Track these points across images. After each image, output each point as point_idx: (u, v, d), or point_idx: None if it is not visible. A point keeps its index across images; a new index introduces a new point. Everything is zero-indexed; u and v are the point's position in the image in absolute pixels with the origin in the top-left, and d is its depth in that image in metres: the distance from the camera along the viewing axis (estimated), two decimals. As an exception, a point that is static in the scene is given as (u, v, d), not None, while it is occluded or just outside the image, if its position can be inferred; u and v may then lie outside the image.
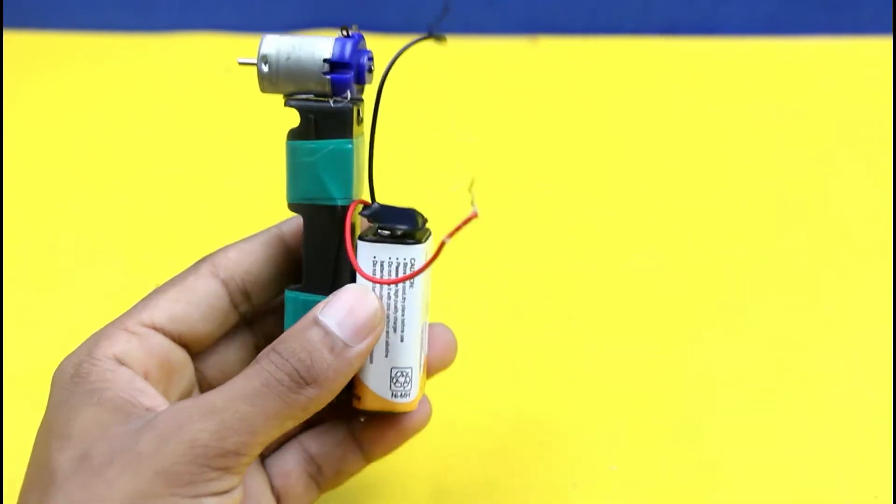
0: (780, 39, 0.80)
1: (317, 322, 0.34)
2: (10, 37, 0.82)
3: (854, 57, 0.77)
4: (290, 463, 0.39)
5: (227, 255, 0.38)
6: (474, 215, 0.32)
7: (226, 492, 0.32)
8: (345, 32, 0.37)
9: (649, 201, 0.64)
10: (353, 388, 0.37)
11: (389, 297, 0.36)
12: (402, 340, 0.37)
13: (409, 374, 0.37)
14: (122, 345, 0.36)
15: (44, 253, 0.60)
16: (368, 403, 0.37)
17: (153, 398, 0.34)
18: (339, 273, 0.36)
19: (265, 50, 0.36)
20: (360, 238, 0.36)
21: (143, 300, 0.38)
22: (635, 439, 0.47)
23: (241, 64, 0.36)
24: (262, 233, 0.39)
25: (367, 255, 0.36)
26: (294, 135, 0.36)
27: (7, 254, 0.59)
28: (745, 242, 0.60)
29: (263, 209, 0.65)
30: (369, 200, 0.37)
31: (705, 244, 0.60)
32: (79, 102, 0.76)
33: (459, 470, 0.45)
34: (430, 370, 0.39)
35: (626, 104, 0.74)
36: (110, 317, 0.56)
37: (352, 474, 0.40)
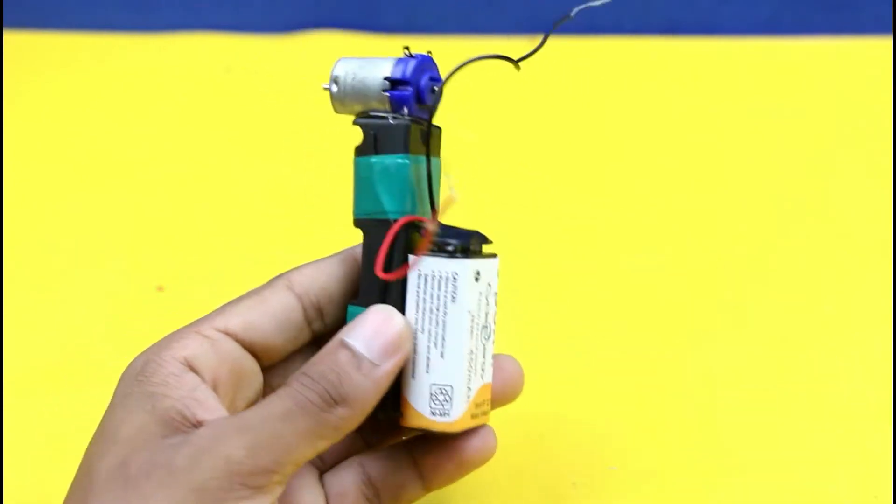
0: (780, 39, 0.80)
1: (343, 344, 0.34)
2: (10, 37, 0.82)
3: (854, 57, 0.77)
4: (347, 483, 0.39)
5: (303, 272, 0.39)
6: (452, 199, 0.34)
7: None
8: (407, 51, 0.38)
9: (650, 201, 0.64)
10: (399, 404, 0.37)
11: (431, 311, 0.36)
12: (442, 357, 0.36)
13: (449, 393, 0.37)
14: (193, 348, 0.36)
15: (44, 253, 0.60)
16: (409, 420, 0.37)
17: (210, 410, 0.35)
18: (388, 287, 0.37)
19: (336, 72, 0.38)
20: (412, 253, 0.36)
21: (218, 308, 0.38)
22: (635, 439, 0.47)
23: (325, 89, 0.38)
24: (337, 253, 0.40)
25: (415, 268, 0.36)
26: (358, 151, 0.37)
27: (7, 254, 0.59)
28: (746, 242, 0.60)
29: (264, 209, 0.65)
30: (427, 218, 0.37)
31: (705, 244, 0.60)
32: (79, 102, 0.76)
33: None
34: (494, 402, 0.39)
35: (626, 104, 0.74)
36: (110, 317, 0.56)
37: (410, 502, 0.40)
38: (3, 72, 0.77)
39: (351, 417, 0.34)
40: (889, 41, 0.77)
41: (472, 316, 0.36)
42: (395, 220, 0.36)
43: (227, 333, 0.37)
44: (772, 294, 0.56)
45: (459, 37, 0.79)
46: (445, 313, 0.36)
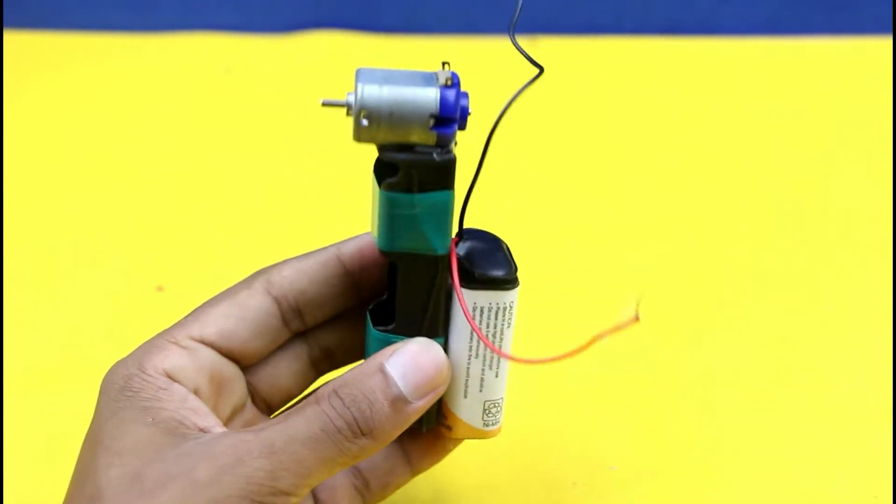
0: (780, 39, 0.80)
1: (382, 370, 0.34)
2: (10, 37, 0.82)
3: (854, 57, 0.77)
4: (337, 477, 0.39)
5: (282, 274, 0.38)
6: (636, 319, 0.35)
7: None
8: (447, 67, 0.35)
9: (649, 201, 0.64)
10: (443, 418, 0.38)
11: (487, 337, 0.36)
12: (496, 376, 0.37)
13: (500, 404, 0.38)
14: (173, 359, 0.36)
15: (44, 253, 0.60)
16: (460, 433, 0.38)
17: (205, 418, 0.35)
18: (433, 318, 0.36)
19: (365, 101, 0.33)
20: (462, 286, 0.36)
21: (193, 312, 0.37)
22: (635, 439, 0.47)
23: (325, 105, 0.34)
24: (319, 251, 0.39)
25: (469, 302, 0.36)
26: (392, 186, 0.34)
27: (7, 254, 0.59)
28: (746, 242, 0.60)
29: (264, 209, 0.65)
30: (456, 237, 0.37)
31: (705, 244, 0.60)
32: (79, 102, 0.76)
33: (459, 470, 0.45)
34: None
35: (626, 104, 0.74)
36: (110, 317, 0.56)
37: (398, 487, 0.40)
38: (3, 72, 0.77)
39: (372, 448, 0.34)
40: (889, 41, 0.77)
41: None
42: (444, 255, 0.35)
43: (204, 342, 0.37)
44: (772, 294, 0.56)
45: (459, 37, 0.79)
46: (502, 339, 0.37)
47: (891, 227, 0.60)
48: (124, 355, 0.37)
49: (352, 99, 0.33)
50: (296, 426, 0.33)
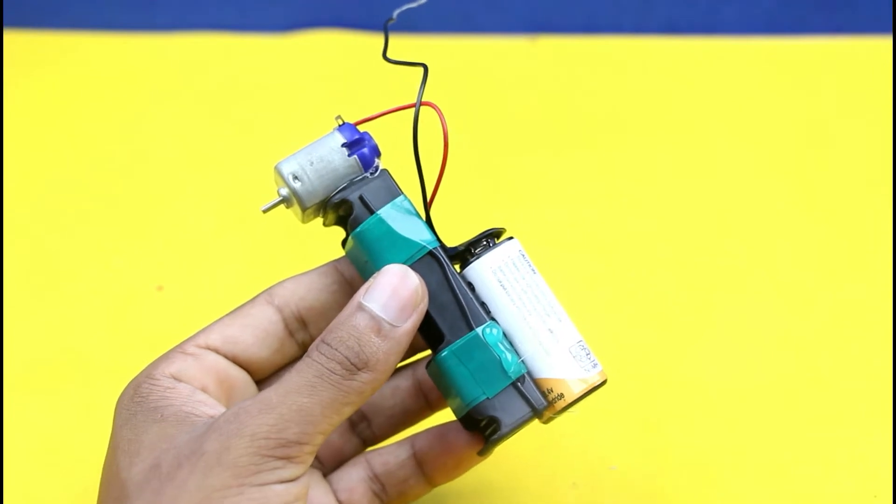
0: (780, 39, 0.80)
1: (361, 308, 0.35)
2: (10, 37, 0.82)
3: (854, 57, 0.77)
4: (354, 479, 0.40)
5: (283, 286, 0.39)
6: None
7: (291, 480, 0.33)
8: (339, 121, 0.39)
9: (648, 201, 0.64)
10: (549, 394, 0.38)
11: (524, 292, 0.38)
12: (560, 321, 0.38)
13: (585, 346, 0.38)
14: (178, 364, 0.37)
15: (44, 253, 0.60)
16: (569, 394, 0.38)
17: (214, 408, 0.36)
18: (472, 308, 0.37)
19: (286, 171, 0.38)
20: (467, 263, 0.38)
21: (202, 328, 0.39)
22: (635, 439, 0.47)
23: (266, 210, 0.38)
24: (318, 266, 0.40)
25: (486, 269, 0.37)
26: (354, 224, 0.38)
27: (7, 254, 0.59)
28: (745, 242, 0.60)
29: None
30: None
31: (705, 244, 0.60)
32: (79, 102, 0.76)
33: (459, 470, 0.45)
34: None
35: (626, 104, 0.74)
36: (110, 317, 0.56)
37: (416, 497, 0.40)
38: (4, 72, 0.77)
39: (374, 380, 0.34)
40: (889, 41, 0.77)
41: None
42: (436, 248, 0.37)
43: (209, 348, 0.38)
44: (772, 294, 0.56)
45: (460, 36, 0.79)
46: (536, 285, 0.38)
47: (891, 226, 0.60)
48: (124, 355, 0.37)
49: (283, 191, 0.38)
50: (289, 379, 0.34)
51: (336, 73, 0.74)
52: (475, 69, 0.76)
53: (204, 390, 0.36)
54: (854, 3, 0.82)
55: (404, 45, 0.82)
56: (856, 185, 0.65)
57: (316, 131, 0.68)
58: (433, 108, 0.38)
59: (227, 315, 0.39)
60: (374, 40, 0.81)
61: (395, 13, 0.42)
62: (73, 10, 0.85)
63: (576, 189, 0.66)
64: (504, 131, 0.71)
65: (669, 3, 0.83)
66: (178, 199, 0.65)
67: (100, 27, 0.84)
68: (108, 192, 0.66)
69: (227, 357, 0.38)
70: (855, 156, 0.68)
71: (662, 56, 0.79)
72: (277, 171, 0.38)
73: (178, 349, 0.38)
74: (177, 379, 0.36)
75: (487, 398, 0.37)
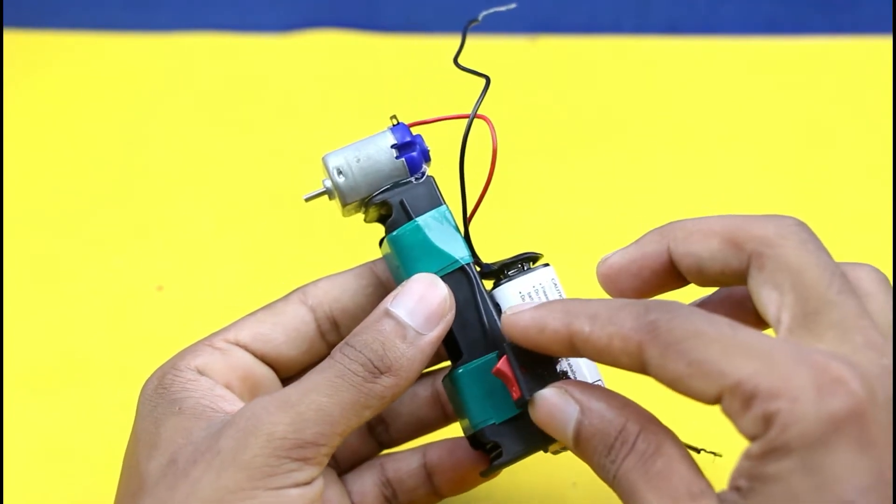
0: (780, 39, 0.80)
1: (388, 313, 0.35)
2: (10, 37, 0.82)
3: (854, 57, 0.77)
4: (368, 483, 0.40)
5: (318, 285, 0.39)
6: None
7: (306, 483, 0.33)
8: (394, 121, 0.39)
9: (648, 201, 0.64)
10: None
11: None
12: (578, 358, 0.38)
13: (602, 385, 0.39)
14: (204, 357, 0.37)
15: (44, 253, 0.60)
16: None
17: (234, 404, 0.35)
18: (493, 331, 0.37)
19: (333, 165, 0.38)
20: (498, 283, 0.38)
21: (233, 322, 0.39)
22: (635, 439, 0.47)
23: (308, 199, 0.38)
24: (353, 267, 0.40)
25: (514, 293, 0.37)
26: (391, 227, 0.37)
27: (7, 254, 0.59)
28: (745, 242, 0.60)
29: (263, 209, 0.65)
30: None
31: (705, 244, 0.60)
32: (79, 102, 0.76)
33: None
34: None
35: (626, 104, 0.74)
36: (110, 317, 0.56)
37: None
38: (4, 72, 0.77)
39: (396, 386, 0.34)
40: (889, 41, 0.77)
41: None
42: (468, 264, 0.37)
43: (238, 344, 0.37)
44: (772, 294, 0.56)
45: (459, 36, 0.78)
46: None
47: (891, 226, 0.60)
48: (124, 355, 0.37)
49: (328, 183, 0.38)
50: (310, 379, 0.34)
51: (336, 73, 0.74)
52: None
53: (227, 386, 0.36)
54: (854, 4, 0.82)
55: (404, 44, 0.82)
56: (856, 186, 0.65)
57: (316, 131, 0.68)
58: (486, 121, 0.38)
59: (259, 310, 0.39)
60: (374, 40, 0.81)
61: (481, 15, 0.41)
62: (73, 10, 0.85)
63: (576, 189, 0.66)
64: (504, 131, 0.70)
65: (669, 3, 0.83)
66: (178, 200, 0.65)
67: (100, 27, 0.84)
68: (108, 193, 0.66)
69: (255, 354, 0.38)
70: (855, 156, 0.68)
71: (662, 56, 0.79)
72: (324, 162, 0.38)
73: (207, 342, 0.37)
74: (200, 372, 0.36)
75: (495, 423, 0.36)
